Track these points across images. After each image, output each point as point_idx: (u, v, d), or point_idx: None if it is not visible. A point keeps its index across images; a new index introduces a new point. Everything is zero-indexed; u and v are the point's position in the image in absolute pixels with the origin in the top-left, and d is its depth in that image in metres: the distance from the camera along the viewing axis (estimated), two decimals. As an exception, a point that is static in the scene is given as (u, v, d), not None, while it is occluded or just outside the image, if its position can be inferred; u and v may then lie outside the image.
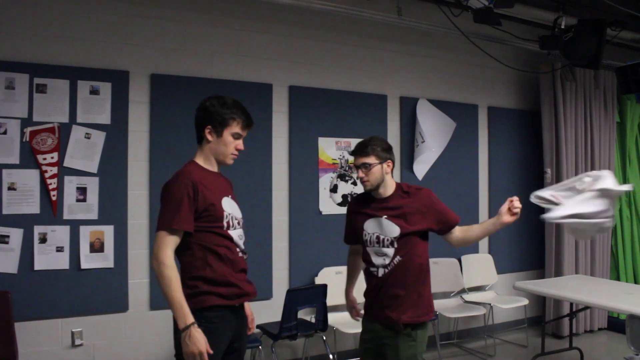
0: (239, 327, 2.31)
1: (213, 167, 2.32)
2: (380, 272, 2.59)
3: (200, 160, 2.31)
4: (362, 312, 2.74)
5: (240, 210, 2.40)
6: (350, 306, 2.87)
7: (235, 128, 2.28)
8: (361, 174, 2.58)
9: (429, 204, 2.60)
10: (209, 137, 2.26)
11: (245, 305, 2.40)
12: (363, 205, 2.67)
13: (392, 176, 2.66)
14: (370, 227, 2.61)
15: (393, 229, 2.55)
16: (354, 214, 2.72)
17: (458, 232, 2.75)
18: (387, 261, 2.56)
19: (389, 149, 2.63)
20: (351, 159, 4.50)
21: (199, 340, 2.03)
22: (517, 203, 2.62)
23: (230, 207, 2.30)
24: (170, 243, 2.10)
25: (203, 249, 2.17)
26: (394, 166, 2.65)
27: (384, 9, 4.16)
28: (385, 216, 2.57)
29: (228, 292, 2.19)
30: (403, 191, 2.62)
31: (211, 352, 2.06)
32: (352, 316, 2.86)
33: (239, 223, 2.34)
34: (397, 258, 2.55)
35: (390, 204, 2.59)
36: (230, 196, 2.36)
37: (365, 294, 2.69)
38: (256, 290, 2.38)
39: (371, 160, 2.56)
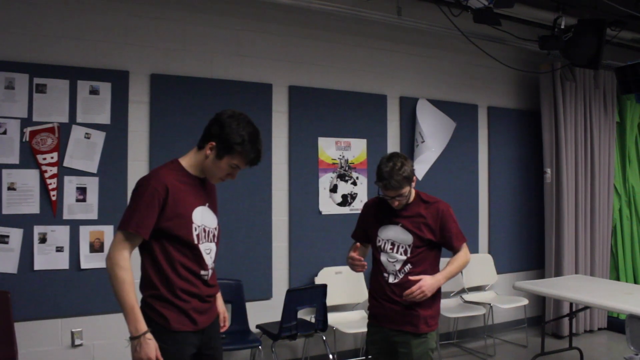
0: (207, 335, 2.18)
1: (196, 172, 2.14)
2: (391, 278, 2.60)
3: (185, 162, 2.13)
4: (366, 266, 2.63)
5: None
6: (352, 258, 2.60)
7: (237, 160, 2.09)
8: (397, 203, 2.55)
9: (441, 217, 2.60)
10: (208, 152, 2.08)
11: (217, 301, 2.28)
12: (381, 210, 2.66)
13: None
14: (384, 233, 2.63)
15: (407, 237, 2.57)
16: (369, 217, 2.71)
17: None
18: (398, 267, 2.59)
19: (411, 169, 2.53)
20: (351, 158, 4.53)
21: (150, 347, 1.93)
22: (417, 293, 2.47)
23: (202, 218, 2.13)
24: (127, 244, 1.99)
25: (164, 257, 2.05)
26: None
27: (384, 9, 4.16)
28: (401, 224, 2.59)
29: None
30: (422, 200, 2.63)
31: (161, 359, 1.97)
32: (356, 269, 2.63)
33: (213, 236, 2.19)
34: (408, 266, 2.57)
35: (408, 212, 2.60)
36: (207, 205, 2.18)
37: (373, 297, 2.69)
38: (218, 288, 2.26)
39: (405, 190, 2.52)
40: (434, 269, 2.62)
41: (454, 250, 2.65)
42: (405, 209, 2.60)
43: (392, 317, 2.58)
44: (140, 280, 2.10)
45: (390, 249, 2.59)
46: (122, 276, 1.94)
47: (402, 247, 2.57)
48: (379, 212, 2.66)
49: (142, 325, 1.95)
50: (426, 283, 2.46)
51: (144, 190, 2.01)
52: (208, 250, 2.15)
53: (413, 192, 2.61)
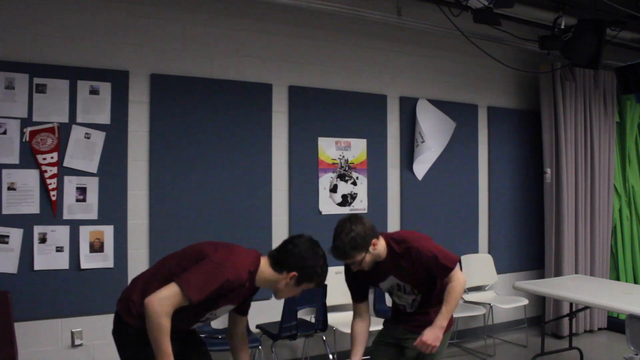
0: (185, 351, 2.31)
1: (261, 285, 2.27)
2: (408, 308, 2.66)
3: (261, 274, 2.22)
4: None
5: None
6: None
7: (313, 285, 2.28)
8: (355, 269, 2.52)
9: (418, 261, 2.50)
10: (289, 280, 2.22)
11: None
12: (364, 271, 2.60)
13: (379, 238, 2.52)
14: (384, 285, 2.65)
15: (406, 283, 2.58)
16: (356, 276, 2.64)
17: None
18: (411, 300, 2.63)
19: (364, 231, 2.42)
20: (351, 158, 4.54)
21: None
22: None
23: (223, 311, 2.29)
24: (178, 302, 2.04)
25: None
26: (377, 234, 2.49)
27: (384, 9, 4.16)
28: (392, 275, 2.58)
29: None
30: (395, 253, 2.53)
31: None
32: None
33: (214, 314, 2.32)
34: (419, 296, 2.61)
35: (390, 267, 2.56)
36: (234, 305, 2.32)
37: (393, 313, 2.78)
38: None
39: (357, 258, 2.43)
40: (444, 287, 2.57)
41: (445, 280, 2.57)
42: (385, 264, 2.55)
43: (410, 323, 2.64)
44: (130, 293, 2.19)
45: (398, 289, 2.63)
46: (166, 326, 2.01)
47: (406, 287, 2.59)
48: (364, 273, 2.59)
49: None
50: (428, 339, 2.39)
51: (223, 274, 2.07)
52: (204, 319, 2.30)
53: (381, 248, 2.50)
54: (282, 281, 2.22)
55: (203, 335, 3.68)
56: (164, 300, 2.00)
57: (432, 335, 2.40)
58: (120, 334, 2.26)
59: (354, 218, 2.46)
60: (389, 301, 3.51)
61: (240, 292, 2.17)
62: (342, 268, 4.28)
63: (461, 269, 5.03)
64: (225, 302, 2.20)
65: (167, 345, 2.01)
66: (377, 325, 2.95)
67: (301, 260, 2.19)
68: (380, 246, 2.48)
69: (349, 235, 2.38)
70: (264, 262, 2.23)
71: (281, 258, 2.22)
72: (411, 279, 2.54)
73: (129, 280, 3.62)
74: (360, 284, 2.66)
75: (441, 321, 2.43)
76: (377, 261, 2.53)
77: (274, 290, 2.29)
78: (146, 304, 2.00)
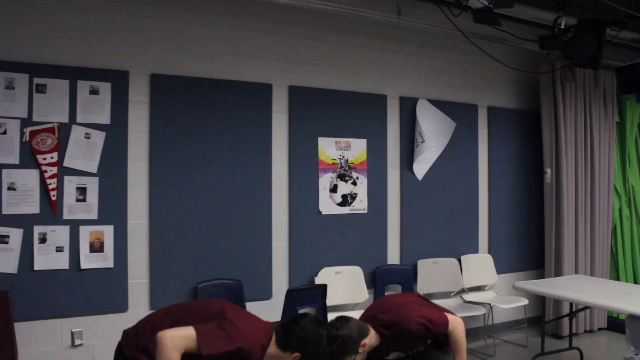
0: None
1: (266, 357, 2.34)
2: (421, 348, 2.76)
3: (269, 350, 2.30)
4: None
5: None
6: None
7: None
8: None
9: (414, 336, 2.56)
10: (292, 358, 2.32)
11: None
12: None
13: (369, 332, 2.58)
14: (391, 357, 2.73)
15: (410, 349, 2.65)
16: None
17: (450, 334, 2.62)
18: (422, 347, 2.72)
19: (349, 338, 2.49)
20: (351, 158, 4.54)
21: None
22: None
23: None
24: (189, 347, 2.08)
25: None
26: (365, 334, 2.54)
27: (384, 9, 4.16)
28: (397, 354, 2.63)
29: None
30: (389, 337, 2.58)
31: None
32: None
33: None
34: (429, 341, 2.70)
35: (389, 347, 2.62)
36: None
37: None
38: None
39: None
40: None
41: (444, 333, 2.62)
42: (383, 348, 2.60)
43: None
44: (137, 329, 2.22)
45: (406, 357, 2.71)
46: (175, 359, 2.03)
47: (413, 351, 2.66)
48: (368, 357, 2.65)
49: None
50: None
51: (237, 340, 2.14)
52: None
53: (372, 340, 2.55)
54: (285, 358, 2.31)
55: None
56: (178, 338, 2.05)
57: None
58: None
59: (340, 322, 2.55)
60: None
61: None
62: (342, 268, 4.33)
63: (461, 269, 5.05)
64: None
65: None
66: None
67: (305, 344, 2.29)
68: (371, 341, 2.55)
69: (335, 342, 2.47)
70: (274, 338, 2.32)
71: (286, 338, 2.31)
72: (415, 346, 2.62)
73: (129, 280, 3.66)
74: None
75: None
76: (373, 347, 2.58)
77: None
78: (159, 337, 2.04)
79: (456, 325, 2.53)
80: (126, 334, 2.31)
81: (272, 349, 2.30)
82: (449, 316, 2.55)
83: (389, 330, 2.55)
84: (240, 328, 2.17)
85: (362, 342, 2.50)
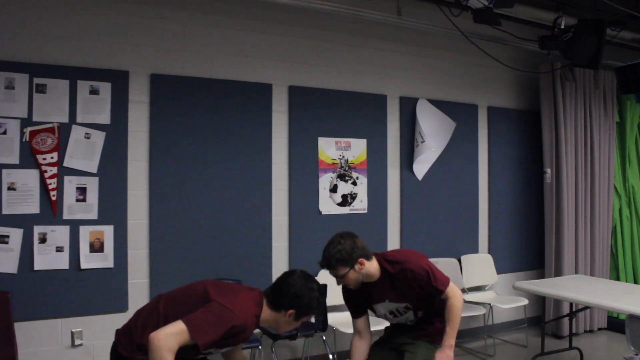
0: None
1: (264, 325, 2.36)
2: (409, 323, 2.70)
3: (263, 315, 2.28)
4: None
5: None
6: None
7: (311, 316, 2.36)
8: (340, 283, 2.57)
9: (412, 279, 2.52)
10: (287, 318, 2.28)
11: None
12: (362, 291, 2.62)
13: (371, 260, 2.55)
14: (379, 310, 2.66)
15: (400, 304, 2.60)
16: (353, 296, 2.68)
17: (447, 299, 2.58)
18: (412, 318, 2.65)
19: (352, 248, 2.47)
20: (351, 158, 4.54)
21: None
22: None
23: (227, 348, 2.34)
24: (184, 341, 2.05)
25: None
26: (367, 256, 2.52)
27: (384, 9, 4.16)
28: (387, 299, 2.60)
29: None
30: (389, 273, 2.55)
31: None
32: None
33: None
34: (420, 312, 2.63)
35: (384, 287, 2.58)
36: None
37: (391, 327, 2.82)
38: None
39: (341, 271, 2.48)
40: (442, 303, 2.62)
41: (441, 294, 2.59)
42: (379, 285, 2.57)
43: (411, 330, 2.67)
44: (129, 327, 2.21)
45: (395, 316, 2.65)
46: (168, 358, 2.00)
47: (403, 309, 2.61)
48: (360, 293, 2.63)
49: None
50: None
51: (229, 322, 2.10)
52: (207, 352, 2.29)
53: (372, 269, 2.52)
54: (281, 319, 2.30)
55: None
56: (170, 337, 2.02)
57: (444, 357, 2.47)
58: None
59: (346, 234, 2.51)
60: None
61: (246, 334, 2.21)
62: (342, 268, 4.30)
63: (461, 268, 5.05)
64: (232, 343, 2.23)
65: None
66: (375, 325, 2.95)
67: (297, 299, 2.26)
68: (370, 267, 2.51)
69: (336, 247, 2.45)
70: (265, 303, 2.29)
71: (278, 299, 2.28)
72: (409, 298, 2.56)
73: (129, 280, 3.66)
74: (356, 300, 2.67)
75: (449, 341, 2.49)
76: (370, 282, 2.55)
77: (276, 327, 2.36)
78: (151, 339, 2.01)
79: (455, 292, 2.53)
80: (119, 333, 2.29)
81: (266, 313, 2.27)
82: (451, 282, 2.57)
83: (392, 266, 2.53)
84: (228, 307, 2.12)
85: (360, 260, 2.47)
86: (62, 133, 3.48)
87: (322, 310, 2.39)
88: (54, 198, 3.44)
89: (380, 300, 2.60)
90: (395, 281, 2.53)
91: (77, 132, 3.53)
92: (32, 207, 3.40)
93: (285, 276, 2.33)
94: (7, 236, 3.33)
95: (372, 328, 2.73)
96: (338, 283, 2.56)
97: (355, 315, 2.70)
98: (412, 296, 2.55)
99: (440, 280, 2.51)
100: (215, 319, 2.09)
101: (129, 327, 2.26)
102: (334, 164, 4.45)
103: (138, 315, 2.29)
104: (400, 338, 2.69)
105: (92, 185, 3.56)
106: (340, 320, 4.05)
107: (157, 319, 2.16)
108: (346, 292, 2.69)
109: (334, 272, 2.50)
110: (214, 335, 2.08)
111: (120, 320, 3.59)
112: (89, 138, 3.56)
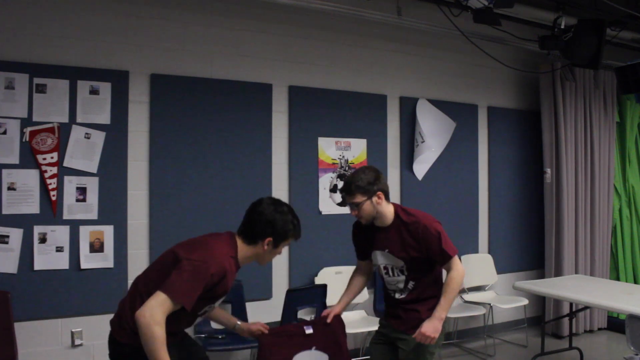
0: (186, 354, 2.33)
1: (244, 263, 2.29)
2: (397, 295, 2.63)
3: (240, 254, 2.24)
4: None
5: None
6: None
7: (290, 240, 2.33)
8: (353, 213, 2.54)
9: (422, 237, 2.48)
10: (266, 247, 2.25)
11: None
12: (366, 232, 2.64)
13: (389, 203, 2.54)
14: (376, 259, 2.63)
15: (397, 261, 2.56)
16: (361, 238, 2.71)
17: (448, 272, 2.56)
18: (402, 286, 2.60)
19: (375, 180, 2.48)
20: (351, 158, 4.54)
21: None
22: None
23: (219, 301, 2.31)
24: (169, 309, 2.02)
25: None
26: (387, 195, 2.52)
27: (384, 9, 4.16)
28: (387, 249, 2.56)
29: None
30: (402, 221, 2.53)
31: None
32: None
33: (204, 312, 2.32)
34: (411, 283, 2.57)
35: (390, 236, 2.55)
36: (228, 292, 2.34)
37: (385, 301, 2.77)
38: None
39: (358, 199, 2.47)
40: (436, 280, 2.61)
41: (444, 268, 2.58)
42: (386, 232, 2.55)
43: (401, 320, 2.63)
44: (120, 312, 2.21)
45: (387, 273, 2.61)
46: (160, 333, 1.97)
47: (397, 269, 2.57)
48: (366, 235, 2.64)
49: None
50: (427, 330, 2.40)
51: (204, 271, 2.05)
52: (202, 312, 2.27)
53: (387, 209, 2.52)
54: (261, 251, 2.26)
55: (203, 336, 3.70)
56: (154, 309, 1.98)
57: (431, 327, 2.41)
58: (117, 356, 2.24)
59: (372, 167, 2.56)
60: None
61: (229, 278, 2.15)
62: (342, 268, 4.32)
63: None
64: (220, 292, 2.17)
65: (164, 355, 1.97)
66: (374, 325, 2.96)
67: (270, 225, 2.23)
68: (386, 208, 2.52)
69: (359, 175, 2.48)
70: (239, 242, 2.24)
71: (251, 231, 2.24)
72: (408, 255, 2.50)
73: (129, 280, 3.65)
74: (362, 243, 2.71)
75: (440, 313, 2.44)
76: (380, 227, 2.55)
77: (257, 261, 2.32)
78: (137, 317, 1.98)
79: (459, 267, 2.49)
80: (113, 322, 2.27)
81: (243, 250, 2.23)
82: (457, 257, 2.54)
83: (407, 216, 2.52)
84: (199, 259, 2.07)
85: (379, 194, 2.46)
86: (62, 133, 3.48)
87: (299, 233, 2.36)
88: (54, 198, 3.44)
89: (381, 249, 2.57)
90: (404, 231, 2.50)
91: (77, 132, 3.53)
92: (32, 207, 3.40)
93: (253, 206, 2.29)
94: (7, 236, 3.32)
95: (369, 328, 2.72)
96: (352, 213, 2.54)
97: (360, 257, 2.78)
98: (412, 254, 2.49)
99: (451, 247, 2.48)
100: (189, 275, 2.04)
101: (120, 315, 2.24)
102: (334, 164, 4.45)
103: (124, 301, 2.27)
104: (392, 331, 2.68)
105: (92, 185, 3.56)
106: (340, 320, 4.05)
107: (141, 298, 2.11)
108: (356, 230, 2.73)
109: (351, 199, 2.49)
110: (193, 292, 2.03)
111: (120, 320, 3.62)
112: (89, 138, 3.56)
